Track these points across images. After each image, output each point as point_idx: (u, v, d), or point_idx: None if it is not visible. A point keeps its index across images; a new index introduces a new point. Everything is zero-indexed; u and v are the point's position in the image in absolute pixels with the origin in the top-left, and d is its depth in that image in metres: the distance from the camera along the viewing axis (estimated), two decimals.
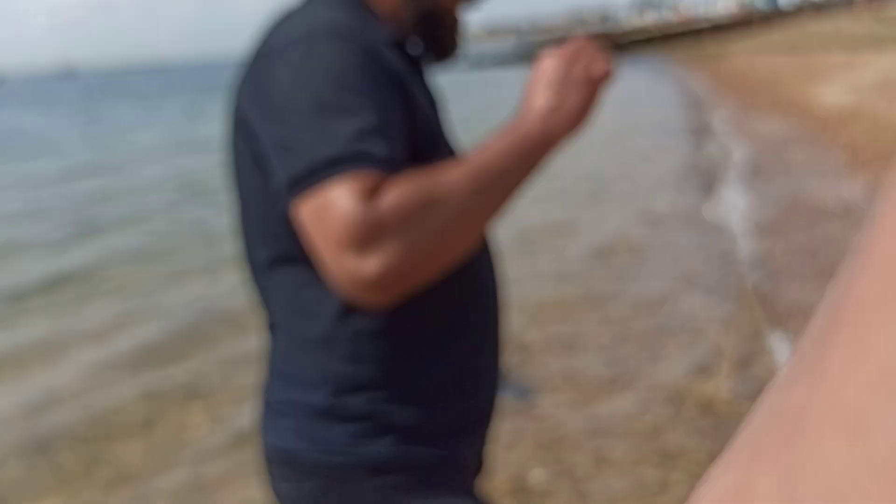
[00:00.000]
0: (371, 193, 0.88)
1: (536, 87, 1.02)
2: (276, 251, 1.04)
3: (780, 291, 4.58)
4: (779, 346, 3.81)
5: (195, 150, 13.93)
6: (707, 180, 8.02)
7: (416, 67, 1.12)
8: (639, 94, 19.16)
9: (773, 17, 57.08)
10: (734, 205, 6.84)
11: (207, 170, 10.56)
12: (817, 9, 61.15)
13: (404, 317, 1.03)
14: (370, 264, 0.88)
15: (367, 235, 0.87)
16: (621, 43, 46.45)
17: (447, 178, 0.93)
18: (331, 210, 0.88)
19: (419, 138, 1.02)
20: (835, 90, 13.29)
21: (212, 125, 22.61)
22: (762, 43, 31.34)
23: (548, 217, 6.66)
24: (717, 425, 3.12)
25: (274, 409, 1.09)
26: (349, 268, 0.88)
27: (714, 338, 4.01)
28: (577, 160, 9.58)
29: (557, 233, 6.35)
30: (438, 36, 1.14)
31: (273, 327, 1.12)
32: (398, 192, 0.89)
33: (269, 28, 1.06)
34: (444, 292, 1.04)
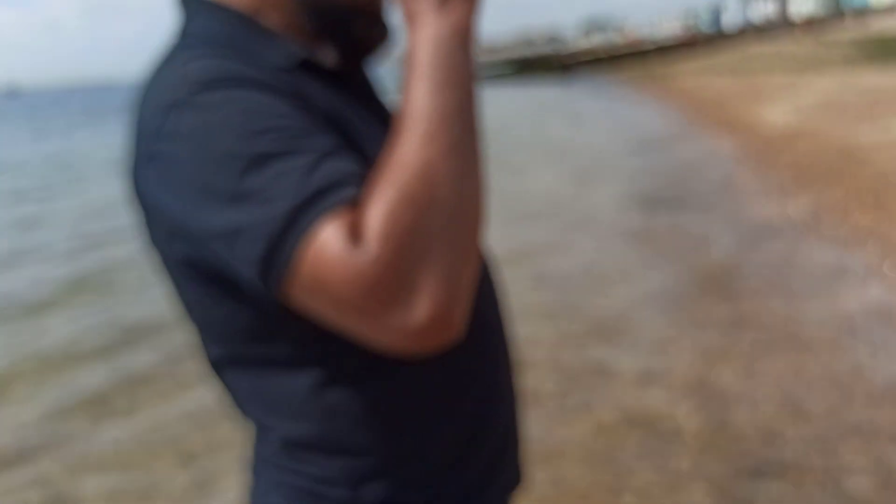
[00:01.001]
0: (356, 230, 0.70)
1: None
2: (227, 350, 0.89)
3: (740, 303, 4.61)
4: (724, 375, 3.83)
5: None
6: (655, 199, 8.10)
7: (336, 80, 0.92)
8: (587, 115, 19.38)
9: (716, 39, 58.34)
10: (683, 221, 6.91)
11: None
12: (759, 32, 62.68)
13: (397, 380, 0.87)
14: (418, 310, 0.70)
15: (390, 282, 0.69)
16: (569, 64, 47.07)
17: (404, 157, 0.73)
18: (329, 279, 0.70)
19: (364, 162, 0.81)
20: (778, 110, 13.59)
21: None
22: (707, 64, 31.98)
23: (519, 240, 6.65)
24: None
25: None
26: (398, 328, 0.70)
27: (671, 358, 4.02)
28: (523, 181, 9.60)
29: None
30: (356, 31, 0.92)
31: (252, 423, 0.96)
32: (380, 211, 0.70)
33: (140, 95, 0.85)
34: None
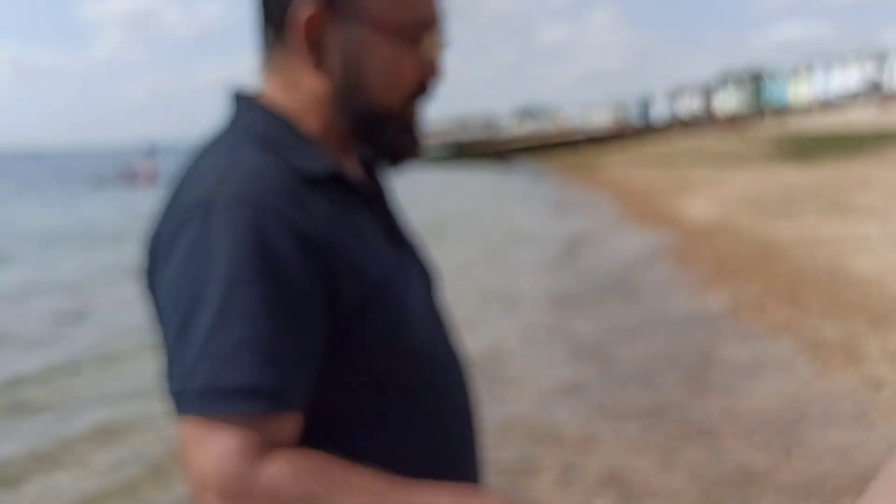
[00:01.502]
0: (254, 449, 0.81)
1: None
2: None
3: (659, 395, 4.66)
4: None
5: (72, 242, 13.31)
6: (577, 291, 8.22)
7: (361, 194, 1.00)
8: (516, 204, 19.71)
9: (644, 131, 60.43)
10: (605, 312, 7.02)
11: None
12: (685, 126, 65.14)
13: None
14: None
15: (233, 498, 0.80)
16: (503, 150, 48.08)
17: (347, 485, 0.83)
18: (207, 452, 0.81)
19: (362, 283, 0.91)
20: (702, 204, 14.05)
21: (85, 214, 21.97)
22: (635, 156, 33.01)
23: None
24: None
25: None
26: None
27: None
28: (461, 274, 9.66)
29: None
30: (387, 138, 1.01)
31: None
32: (284, 471, 0.81)
33: (186, 169, 0.95)
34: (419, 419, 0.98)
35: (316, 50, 0.97)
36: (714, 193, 15.46)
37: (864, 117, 43.49)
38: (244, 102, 1.01)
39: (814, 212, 11.59)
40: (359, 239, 0.94)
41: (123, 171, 38.49)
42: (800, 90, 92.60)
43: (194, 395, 0.81)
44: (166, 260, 0.88)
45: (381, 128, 1.00)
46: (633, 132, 58.16)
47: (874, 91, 74.54)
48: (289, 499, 0.80)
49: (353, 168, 1.04)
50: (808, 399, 4.49)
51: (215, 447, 0.80)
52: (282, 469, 0.81)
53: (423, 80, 1.00)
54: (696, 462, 3.76)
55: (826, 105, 75.06)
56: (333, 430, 0.93)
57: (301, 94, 0.99)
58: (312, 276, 0.87)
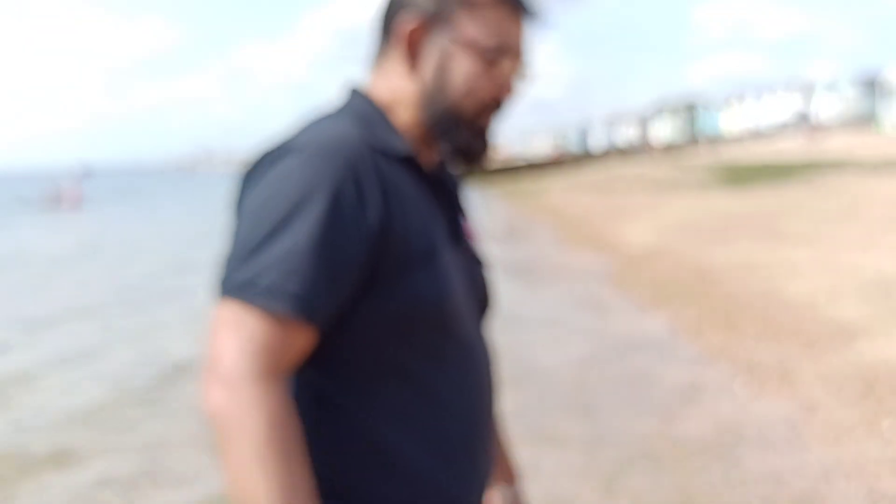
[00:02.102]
0: (267, 356, 0.97)
1: None
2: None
3: (599, 420, 4.65)
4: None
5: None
6: (518, 312, 8.22)
7: (429, 181, 1.19)
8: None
9: (583, 158, 61.31)
10: (543, 336, 7.02)
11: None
12: (622, 154, 66.29)
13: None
14: (213, 398, 0.96)
15: (225, 389, 0.95)
16: None
17: (278, 461, 0.95)
18: (230, 338, 0.97)
19: (403, 252, 1.07)
20: (639, 229, 14.25)
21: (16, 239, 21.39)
22: (575, 182, 33.44)
23: None
24: None
25: None
26: (207, 390, 0.97)
27: None
28: None
29: None
30: (461, 139, 1.19)
31: None
32: (265, 402, 0.95)
33: (299, 125, 1.14)
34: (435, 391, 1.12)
35: (414, 56, 1.18)
36: (651, 219, 15.70)
37: (792, 147, 44.83)
38: (354, 93, 1.21)
39: (747, 237, 11.84)
40: (415, 212, 1.11)
41: (47, 195, 37.80)
42: (732, 120, 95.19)
43: (235, 284, 0.99)
44: (255, 184, 1.07)
45: (456, 128, 1.18)
46: (572, 159, 58.93)
47: (802, 122, 76.98)
48: (243, 425, 0.93)
49: (430, 162, 1.22)
50: (745, 422, 4.53)
51: (237, 337, 0.96)
52: (266, 398, 0.95)
53: (496, 96, 1.19)
54: (638, 489, 3.75)
55: (757, 135, 77.27)
56: (356, 375, 1.09)
57: (397, 91, 1.19)
58: (363, 223, 1.03)
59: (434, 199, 1.19)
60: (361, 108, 1.18)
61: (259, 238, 1.00)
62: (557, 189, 29.78)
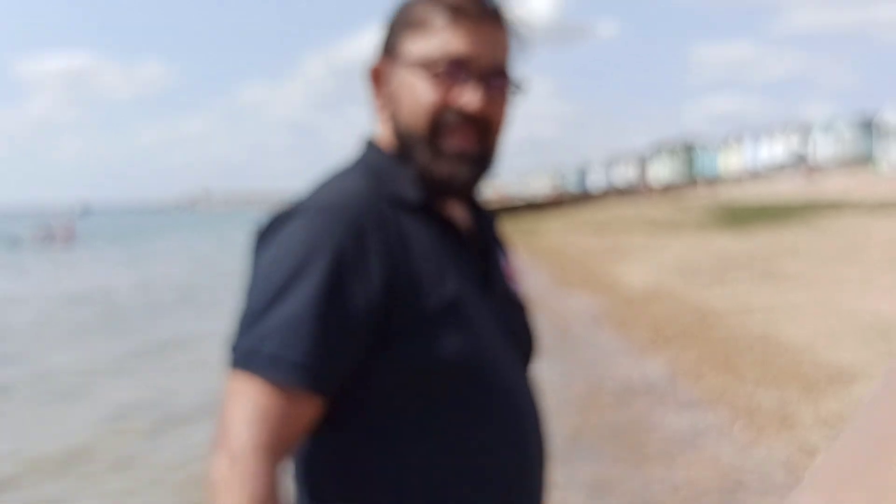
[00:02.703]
0: (273, 427, 0.96)
1: None
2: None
3: (599, 466, 4.64)
4: None
5: None
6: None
7: (451, 227, 1.14)
8: None
9: (582, 198, 61.55)
10: (544, 380, 7.01)
11: None
12: (621, 194, 66.58)
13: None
14: (217, 467, 0.96)
15: (231, 461, 0.95)
16: None
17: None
18: (237, 411, 0.97)
19: (417, 309, 1.03)
20: (638, 270, 14.27)
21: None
22: (573, 222, 33.54)
23: None
24: None
25: None
26: (214, 460, 0.97)
27: None
28: None
29: None
30: (420, 161, 1.12)
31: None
32: (253, 482, 0.94)
33: (313, 184, 1.13)
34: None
35: (381, 95, 1.17)
36: (650, 260, 15.73)
37: (790, 188, 45.04)
38: (366, 143, 1.20)
39: (746, 279, 11.86)
40: (431, 265, 1.08)
41: (40, 232, 38.04)
42: (730, 161, 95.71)
43: (241, 353, 0.99)
44: (265, 247, 1.07)
45: (411, 151, 1.13)
46: (570, 199, 59.17)
47: (799, 163, 77.47)
48: (233, 498, 0.93)
49: (454, 207, 1.19)
50: (745, 467, 4.52)
51: (243, 408, 0.97)
52: (262, 474, 0.94)
53: (457, 109, 1.10)
54: None
55: (755, 175, 77.68)
56: (378, 436, 1.05)
57: (388, 134, 1.17)
58: (367, 285, 1.01)
59: (459, 245, 1.15)
60: (372, 159, 1.16)
61: (263, 304, 1.00)
62: (556, 229, 29.86)
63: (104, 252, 32.11)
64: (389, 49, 1.15)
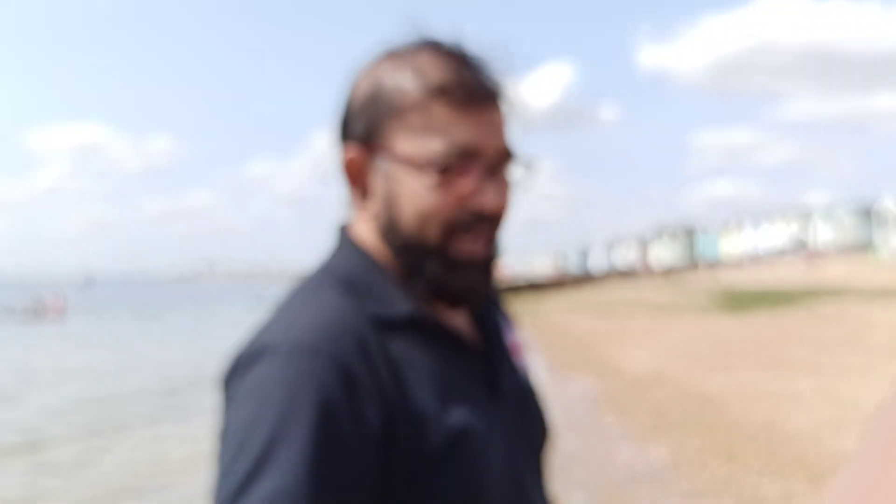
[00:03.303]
0: None
1: None
2: None
3: None
4: None
5: None
6: None
7: (452, 340, 0.99)
8: None
9: (584, 279, 61.67)
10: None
11: None
12: (622, 275, 66.69)
13: None
14: None
15: None
16: None
17: None
18: None
19: (418, 447, 0.88)
20: (640, 354, 14.20)
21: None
22: (575, 303, 33.51)
23: None
24: None
25: None
26: None
27: None
28: None
29: None
30: (431, 274, 0.97)
31: None
32: None
33: (277, 304, 0.97)
34: None
35: (360, 188, 1.01)
36: (652, 344, 15.67)
37: (791, 273, 45.14)
38: (341, 235, 1.04)
39: (749, 365, 11.79)
40: (431, 392, 0.92)
41: (32, 304, 38.29)
42: (731, 245, 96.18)
43: None
44: (232, 397, 0.88)
45: (420, 263, 0.97)
46: (572, 280, 59.29)
47: (800, 248, 77.84)
48: None
49: (450, 312, 1.03)
50: None
51: None
52: None
53: (468, 210, 0.96)
54: None
55: (755, 259, 77.94)
56: None
57: (367, 231, 1.02)
58: (362, 433, 0.85)
59: (459, 352, 1.00)
60: (348, 266, 1.00)
61: (240, 480, 0.80)
62: (558, 310, 29.81)
63: (92, 328, 31.98)
64: (367, 137, 0.98)
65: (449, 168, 0.94)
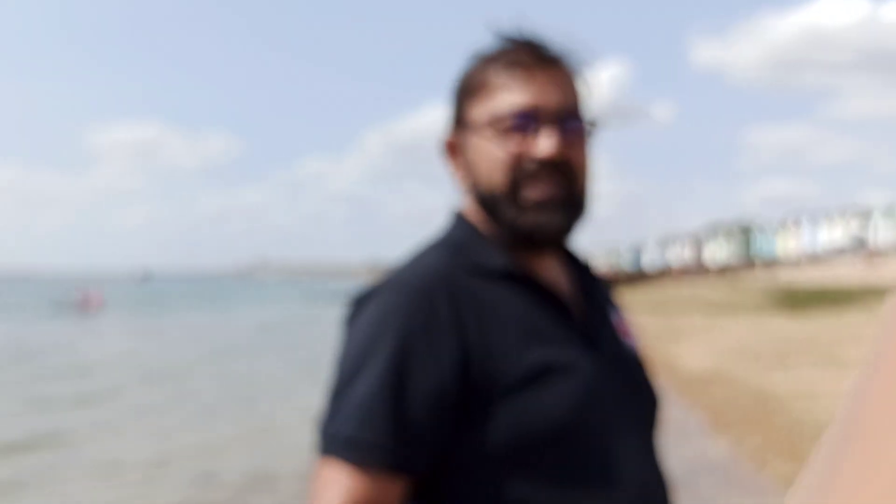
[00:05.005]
0: None
1: None
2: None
3: None
4: None
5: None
6: None
7: (542, 291, 1.10)
8: None
9: (637, 277, 61.06)
10: None
11: None
12: (676, 274, 65.87)
13: None
14: None
15: None
16: None
17: None
18: (320, 496, 0.97)
19: (499, 379, 1.00)
20: (696, 352, 14.07)
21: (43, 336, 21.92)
22: (629, 301, 33.13)
23: None
24: None
25: None
26: None
27: None
28: None
29: None
30: (507, 218, 1.09)
31: None
32: None
33: (399, 261, 1.13)
34: None
35: (457, 167, 1.16)
36: (708, 342, 15.51)
37: (850, 272, 44.16)
38: (454, 215, 1.19)
39: (808, 364, 11.63)
40: (513, 333, 1.04)
41: (76, 299, 39.73)
42: (788, 243, 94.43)
43: (324, 437, 0.99)
44: (349, 326, 1.07)
45: (496, 210, 1.10)
46: (625, 277, 58.76)
47: (859, 247, 76.05)
48: None
49: (549, 269, 1.15)
50: None
51: (327, 492, 0.96)
52: None
53: (520, 160, 1.08)
54: None
55: (814, 258, 76.38)
56: None
57: (469, 205, 1.16)
58: (438, 361, 1.00)
59: (554, 307, 1.10)
60: (456, 231, 1.15)
61: (339, 386, 1.01)
62: None
63: (126, 321, 32.72)
64: (458, 120, 1.15)
65: (510, 126, 1.08)
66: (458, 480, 1.00)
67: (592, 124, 1.13)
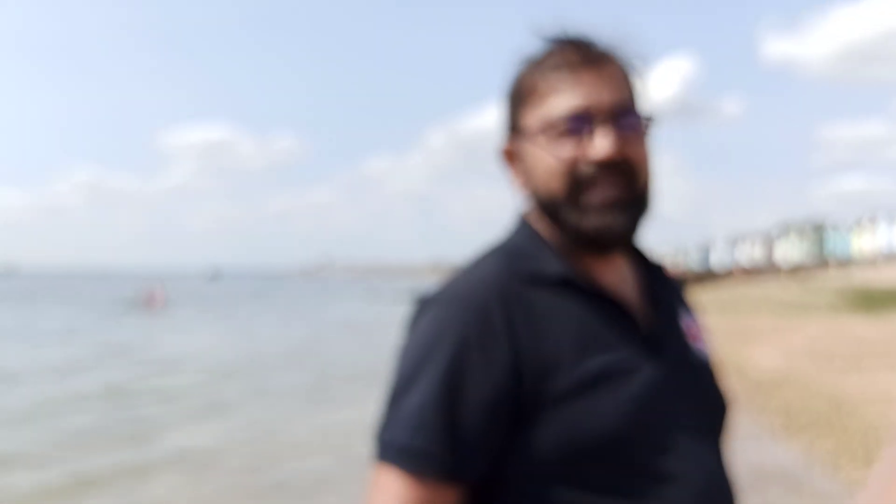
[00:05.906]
0: None
1: None
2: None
3: None
4: None
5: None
6: None
7: (601, 297, 1.08)
8: None
9: (706, 276, 60.03)
10: None
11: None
12: (746, 273, 64.57)
13: None
14: None
15: None
16: None
17: None
18: (379, 501, 0.99)
19: (552, 388, 1.00)
20: (767, 353, 13.79)
21: (124, 333, 22.46)
22: (697, 301, 32.61)
23: None
24: None
25: None
26: None
27: None
28: None
29: None
30: (570, 223, 1.08)
31: None
32: None
33: (458, 268, 1.13)
34: None
35: (519, 174, 1.14)
36: (780, 343, 15.19)
37: None
38: (519, 219, 1.17)
39: (885, 368, 11.30)
40: (569, 340, 1.03)
41: (141, 296, 40.68)
42: (863, 242, 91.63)
43: (379, 444, 1.01)
44: (408, 335, 1.07)
45: (558, 216, 1.09)
46: (694, 277, 57.81)
47: None
48: None
49: (612, 273, 1.13)
50: None
51: (381, 500, 0.98)
52: None
53: (577, 163, 1.06)
54: None
55: (891, 257, 73.95)
56: None
57: (531, 210, 1.15)
58: (495, 368, 1.00)
59: (614, 312, 1.08)
60: (516, 237, 1.14)
61: (396, 394, 1.02)
62: None
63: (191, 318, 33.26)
64: (513, 127, 1.13)
65: (564, 130, 1.06)
66: (510, 489, 1.01)
67: (650, 119, 1.10)
